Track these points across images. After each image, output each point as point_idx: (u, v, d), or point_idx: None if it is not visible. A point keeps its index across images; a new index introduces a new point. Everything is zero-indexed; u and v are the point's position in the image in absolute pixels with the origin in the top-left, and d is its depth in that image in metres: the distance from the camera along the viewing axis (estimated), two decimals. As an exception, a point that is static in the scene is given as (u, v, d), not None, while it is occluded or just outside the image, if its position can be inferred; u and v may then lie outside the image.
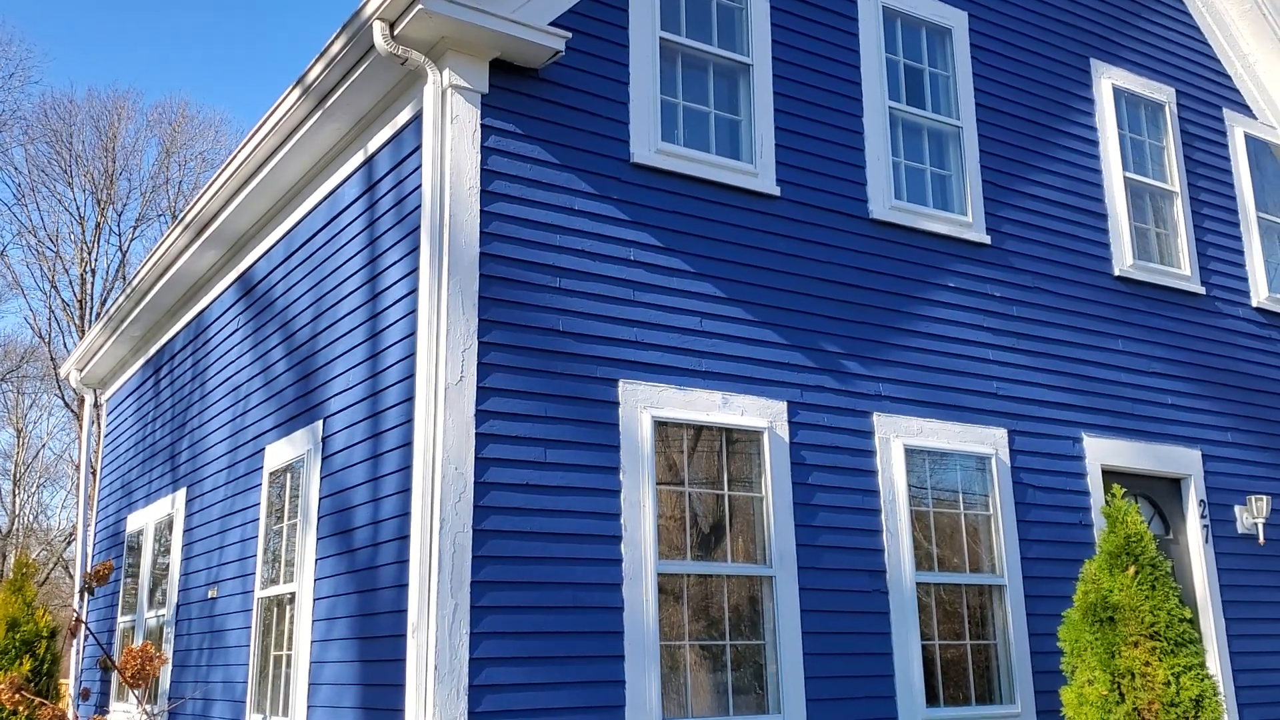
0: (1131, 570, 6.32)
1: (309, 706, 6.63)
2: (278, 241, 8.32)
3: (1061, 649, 6.43)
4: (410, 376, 6.03)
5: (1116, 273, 8.80)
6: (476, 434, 5.77)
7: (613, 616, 5.94)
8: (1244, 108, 10.39)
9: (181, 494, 9.88)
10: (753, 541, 6.57)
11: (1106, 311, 8.67)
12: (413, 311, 6.14)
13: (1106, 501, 6.65)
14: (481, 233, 6.05)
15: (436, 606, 5.42)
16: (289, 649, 7.16)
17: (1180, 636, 6.16)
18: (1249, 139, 10.23)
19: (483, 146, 6.17)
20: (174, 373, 10.75)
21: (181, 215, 9.17)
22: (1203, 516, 8.66)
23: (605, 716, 5.76)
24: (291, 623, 7.15)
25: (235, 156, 8.03)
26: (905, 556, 7.02)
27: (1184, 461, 8.72)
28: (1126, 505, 6.56)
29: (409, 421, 5.94)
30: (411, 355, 6.07)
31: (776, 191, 7.17)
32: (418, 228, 6.20)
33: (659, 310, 6.57)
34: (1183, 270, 9.27)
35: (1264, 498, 8.89)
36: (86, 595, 8.33)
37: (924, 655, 6.97)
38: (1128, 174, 9.14)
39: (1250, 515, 8.88)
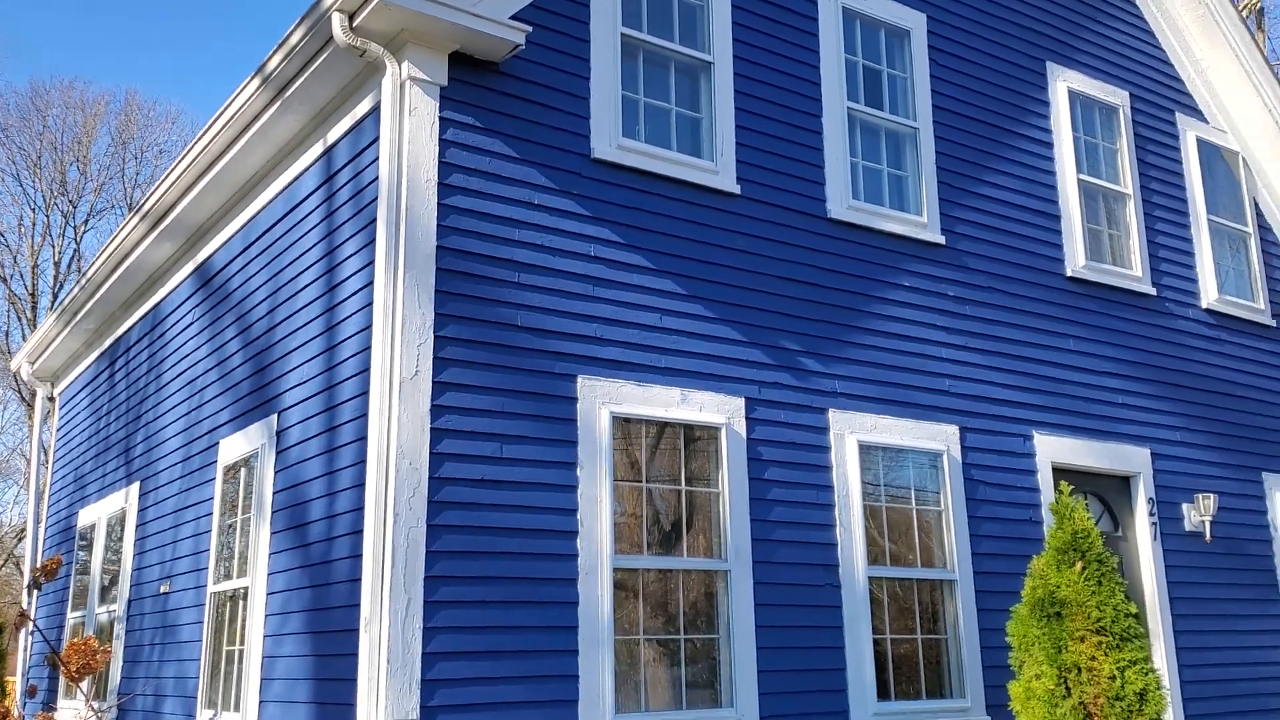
0: (1079, 566, 6.42)
1: (261, 702, 6.60)
2: (236, 233, 8.26)
3: (1010, 644, 6.53)
4: (366, 370, 6.01)
5: (1069, 273, 8.93)
6: (432, 429, 5.76)
7: (567, 611, 5.95)
8: (1196, 111, 10.57)
9: (135, 488, 9.77)
10: (709, 536, 6.61)
11: (1059, 311, 8.79)
12: (369, 304, 6.12)
13: (1055, 498, 6.75)
14: (439, 226, 6.04)
15: (389, 601, 5.41)
16: (242, 644, 7.11)
17: (1126, 631, 6.27)
18: (1200, 142, 10.40)
19: (441, 139, 6.16)
20: (129, 366, 10.64)
21: (138, 206, 9.07)
22: (1151, 514, 8.81)
23: (558, 711, 5.78)
24: (244, 618, 7.10)
25: (193, 146, 7.96)
26: (858, 551, 7.09)
27: (1133, 460, 8.87)
28: (1074, 502, 6.66)
29: (364, 415, 5.92)
30: (367, 349, 6.05)
31: (737, 190, 7.21)
32: (375, 220, 6.18)
33: (619, 306, 6.59)
34: (1134, 271, 9.41)
35: (1211, 496, 9.05)
36: (35, 590, 8.21)
37: (876, 649, 7.04)
38: (1081, 176, 9.27)
39: (1198, 513, 9.03)
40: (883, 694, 7.00)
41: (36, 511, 13.54)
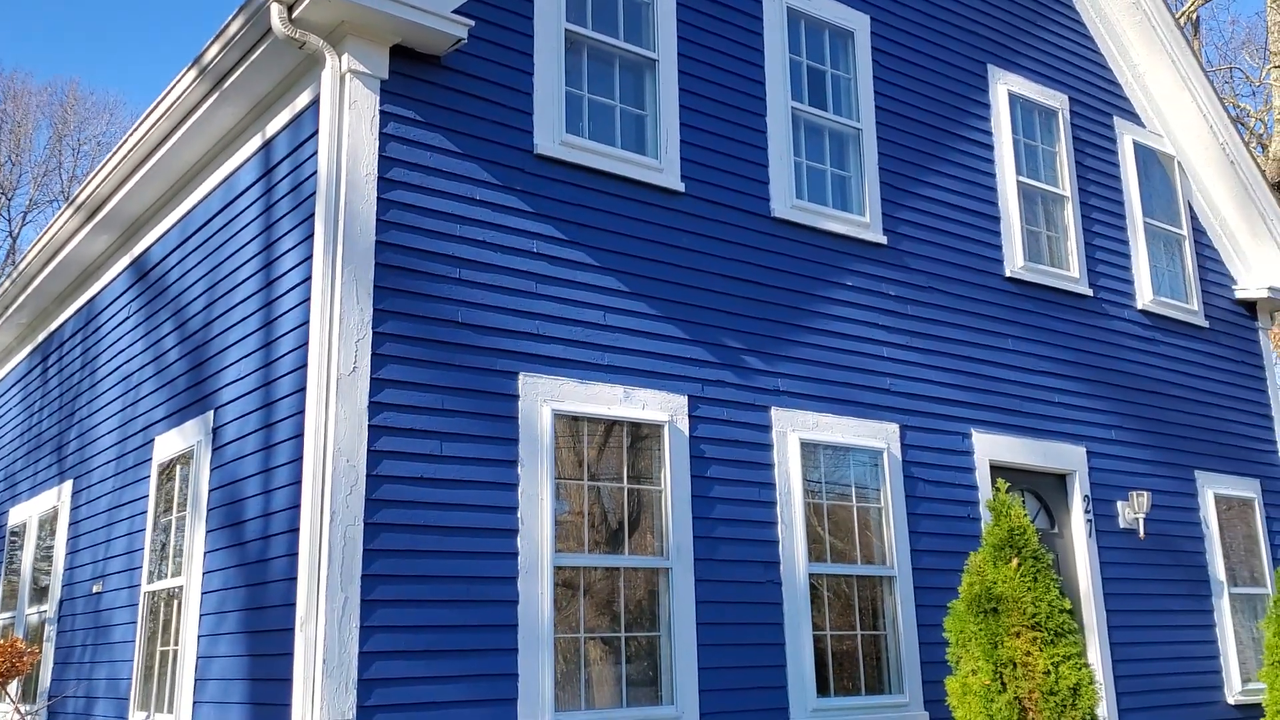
0: (1015, 562, 6.50)
1: (195, 703, 6.49)
2: (172, 226, 8.11)
3: (947, 639, 6.60)
4: (303, 366, 5.93)
5: (1008, 273, 9.04)
6: (370, 426, 5.70)
7: (507, 610, 5.92)
8: (1133, 116, 10.75)
9: (68, 486, 9.57)
10: (651, 534, 6.60)
11: (997, 311, 8.90)
12: (307, 300, 6.04)
13: (993, 495, 6.83)
14: (378, 220, 5.98)
15: (326, 600, 5.34)
16: (176, 645, 6.99)
17: (1060, 627, 6.36)
18: (1137, 146, 10.59)
19: (381, 133, 6.09)
20: (62, 361, 10.41)
21: (72, 198, 8.88)
22: (1087, 511, 8.95)
23: (497, 710, 5.75)
24: (179, 618, 6.98)
25: (129, 138, 7.80)
26: (799, 548, 7.13)
27: (1069, 458, 9.00)
28: (1011, 499, 6.75)
29: (301, 412, 5.84)
30: (305, 345, 5.97)
31: (681, 187, 7.21)
32: (313, 214, 6.10)
33: (561, 304, 6.56)
34: (1071, 272, 9.55)
35: (1145, 493, 9.21)
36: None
37: (816, 646, 7.08)
38: (1021, 178, 9.40)
39: (1132, 510, 9.20)
40: (822, 690, 7.05)
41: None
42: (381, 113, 6.12)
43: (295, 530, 5.70)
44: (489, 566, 5.92)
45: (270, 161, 6.79)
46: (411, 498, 5.74)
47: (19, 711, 6.58)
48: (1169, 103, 10.92)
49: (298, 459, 5.78)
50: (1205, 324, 10.61)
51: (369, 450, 5.66)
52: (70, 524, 9.35)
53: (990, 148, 9.30)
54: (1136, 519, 9.21)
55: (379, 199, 6.00)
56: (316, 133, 6.23)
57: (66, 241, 9.38)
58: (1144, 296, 10.09)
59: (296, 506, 5.73)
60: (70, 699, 8.36)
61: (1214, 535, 9.88)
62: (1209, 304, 10.81)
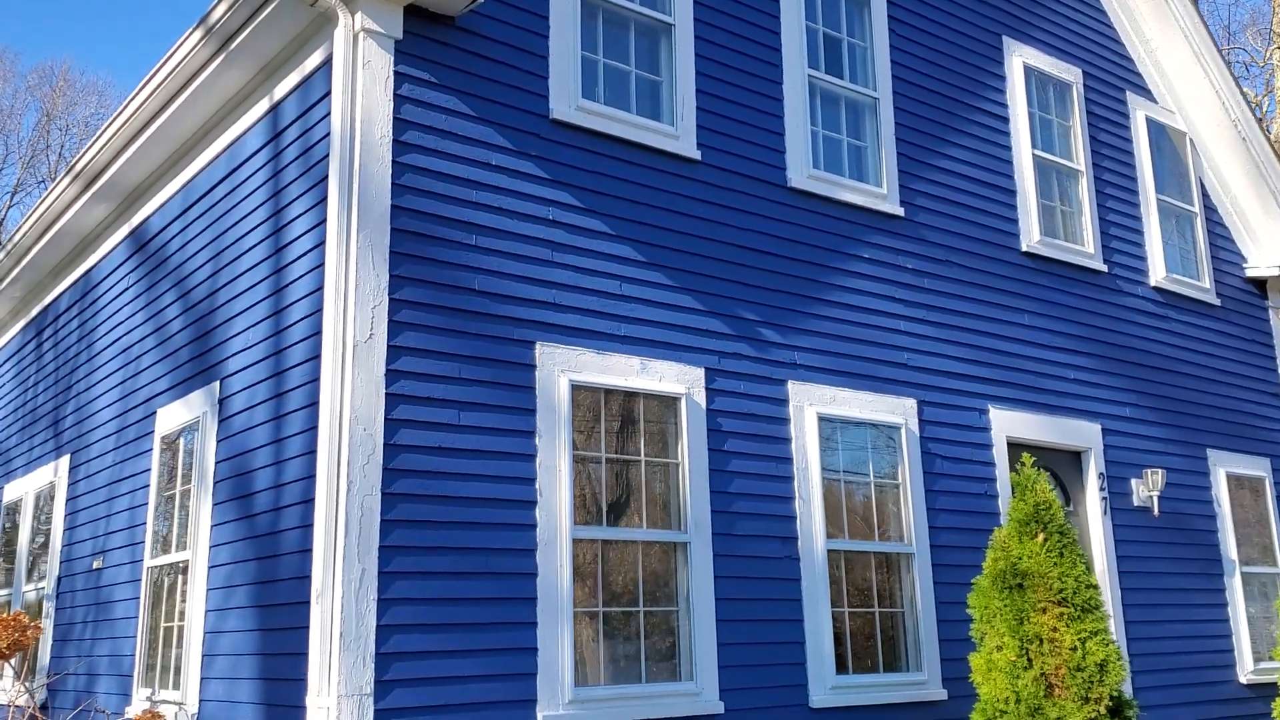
0: (1041, 537, 6.40)
1: (203, 679, 6.34)
2: (174, 194, 7.92)
3: (971, 615, 6.49)
4: (316, 334, 5.77)
5: (1024, 248, 8.92)
6: (386, 394, 5.54)
7: (525, 583, 5.78)
8: (1145, 91, 10.62)
9: (65, 461, 9.39)
10: (669, 508, 6.47)
11: (1013, 286, 8.78)
12: (319, 266, 5.88)
13: (1015, 470, 6.72)
14: (393, 184, 5.81)
15: (343, 572, 5.20)
16: (181, 620, 6.84)
17: (1087, 602, 6.26)
18: (1149, 121, 10.46)
19: (395, 94, 5.92)
20: (58, 334, 10.22)
21: (69, 166, 8.68)
22: (1102, 489, 8.85)
23: (516, 685, 5.62)
24: (185, 592, 6.83)
25: (130, 103, 7.60)
26: (817, 524, 7.01)
27: (1085, 435, 8.90)
28: (1035, 474, 6.64)
29: (315, 380, 5.68)
30: (317, 312, 5.81)
31: (697, 155, 7.06)
32: (325, 178, 5.93)
33: (577, 272, 6.41)
34: (1086, 248, 9.44)
35: (1159, 471, 9.12)
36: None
37: (833, 623, 6.97)
38: (1036, 151, 9.26)
39: (1146, 488, 9.11)
40: (840, 668, 6.93)
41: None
42: (395, 74, 5.94)
43: (309, 501, 5.55)
44: (507, 538, 5.78)
45: (278, 125, 6.61)
46: (429, 468, 5.59)
47: (24, 687, 6.43)
48: (1181, 78, 10.79)
49: (312, 428, 5.63)
50: (1217, 302, 10.51)
51: (386, 419, 5.50)
52: (68, 499, 9.18)
53: (1006, 120, 9.17)
54: (1151, 497, 9.12)
55: (394, 162, 5.83)
56: (327, 95, 6.05)
57: (63, 212, 9.18)
58: (1157, 273, 9.98)
59: (310, 477, 5.58)
60: (71, 676, 8.20)
61: (1226, 514, 9.80)
62: (1220, 282, 10.71)
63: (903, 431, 7.62)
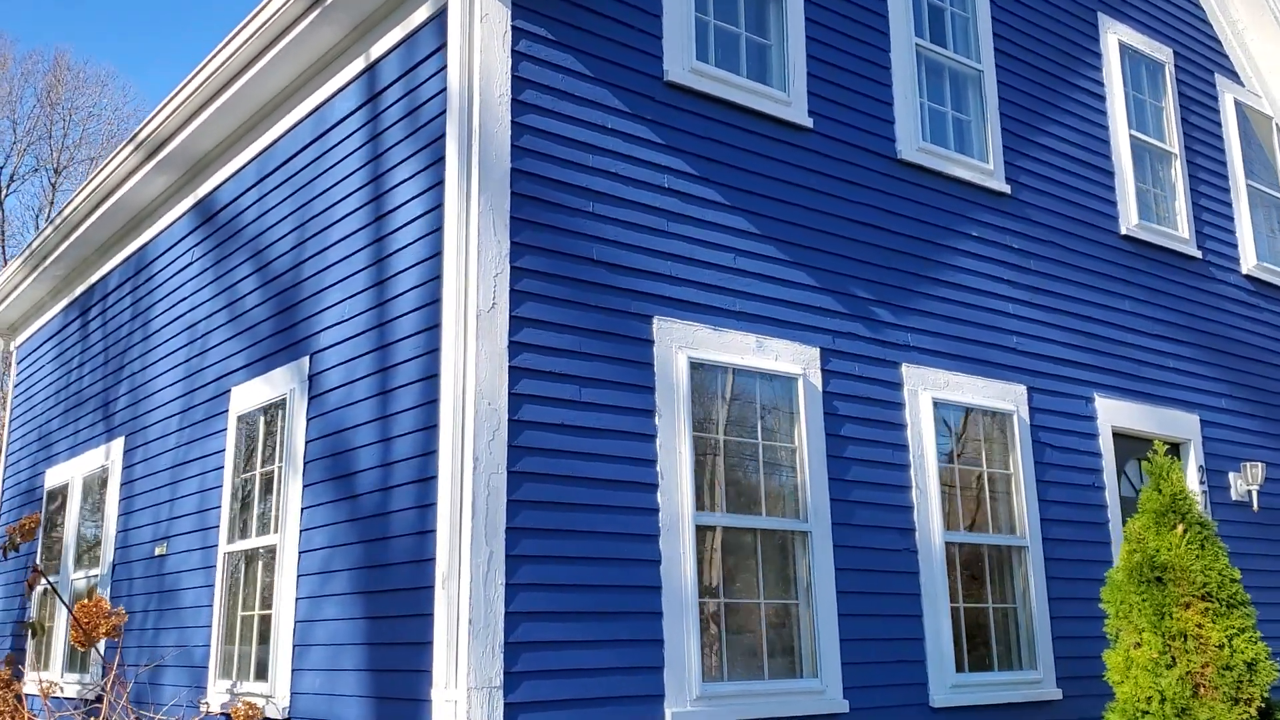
0: (1180, 529, 6.05)
1: (295, 670, 5.98)
2: (248, 163, 7.55)
3: (1104, 611, 6.15)
4: (429, 304, 5.41)
5: (1123, 231, 8.58)
6: (510, 367, 5.19)
7: (650, 570, 5.43)
8: (1233, 74, 10.28)
9: (118, 444, 9.02)
10: (787, 495, 6.12)
11: (1113, 270, 8.44)
12: (430, 233, 5.52)
13: (1149, 459, 6.38)
14: (512, 146, 5.45)
15: (470, 554, 4.84)
16: (263, 608, 6.48)
17: (1232, 598, 5.92)
18: (1238, 105, 10.12)
19: (513, 51, 5.56)
20: (106, 314, 9.85)
21: (132, 135, 8.31)
22: (1202, 482, 8.52)
23: (644, 678, 5.26)
24: (267, 579, 6.47)
25: (203, 68, 7.24)
26: (934, 514, 6.66)
27: (1184, 426, 8.56)
28: (1168, 463, 6.30)
29: (431, 352, 5.32)
30: (429, 281, 5.45)
31: (809, 123, 6.71)
32: (436, 139, 5.57)
33: (692, 244, 6.06)
34: (1181, 233, 9.10)
35: (1259, 464, 8.79)
36: (8, 554, 7.47)
37: (951, 619, 6.62)
38: (1133, 132, 8.92)
39: (1244, 482, 8.77)
40: (958, 666, 6.58)
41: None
42: (513, 29, 5.58)
43: (425, 480, 5.19)
44: (630, 522, 5.42)
45: (375, 86, 6.24)
46: (553, 445, 5.24)
47: (113, 673, 6.06)
48: (1269, 62, 10.45)
49: (428, 402, 5.26)
50: (1305, 292, 10.18)
51: (510, 393, 5.15)
52: (123, 483, 8.81)
53: (1102, 99, 8.82)
54: (1249, 491, 8.78)
55: (513, 123, 5.47)
56: (436, 51, 5.70)
57: (121, 184, 8.81)
58: (1248, 261, 9.65)
59: (425, 454, 5.22)
60: (132, 668, 7.82)
61: (1320, 510, 9.46)
62: (1307, 271, 10.37)
63: (1014, 419, 7.27)
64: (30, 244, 10.55)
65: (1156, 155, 9.21)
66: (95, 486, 9.40)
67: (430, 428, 5.21)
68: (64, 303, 10.91)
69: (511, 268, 5.30)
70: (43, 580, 6.63)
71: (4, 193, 32.14)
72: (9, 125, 32.19)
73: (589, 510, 5.29)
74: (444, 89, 5.57)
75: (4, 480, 12.06)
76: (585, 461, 5.34)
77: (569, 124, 5.70)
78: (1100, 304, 8.22)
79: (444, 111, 5.54)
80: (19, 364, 12.43)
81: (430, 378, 5.28)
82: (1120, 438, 8.05)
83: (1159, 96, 9.38)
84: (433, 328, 5.33)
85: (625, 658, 5.21)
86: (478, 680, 4.74)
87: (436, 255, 5.41)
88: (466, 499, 4.90)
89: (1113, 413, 8.02)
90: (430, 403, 5.24)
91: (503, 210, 5.32)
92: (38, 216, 31.69)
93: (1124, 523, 7.78)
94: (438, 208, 5.47)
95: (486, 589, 4.85)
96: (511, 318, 5.24)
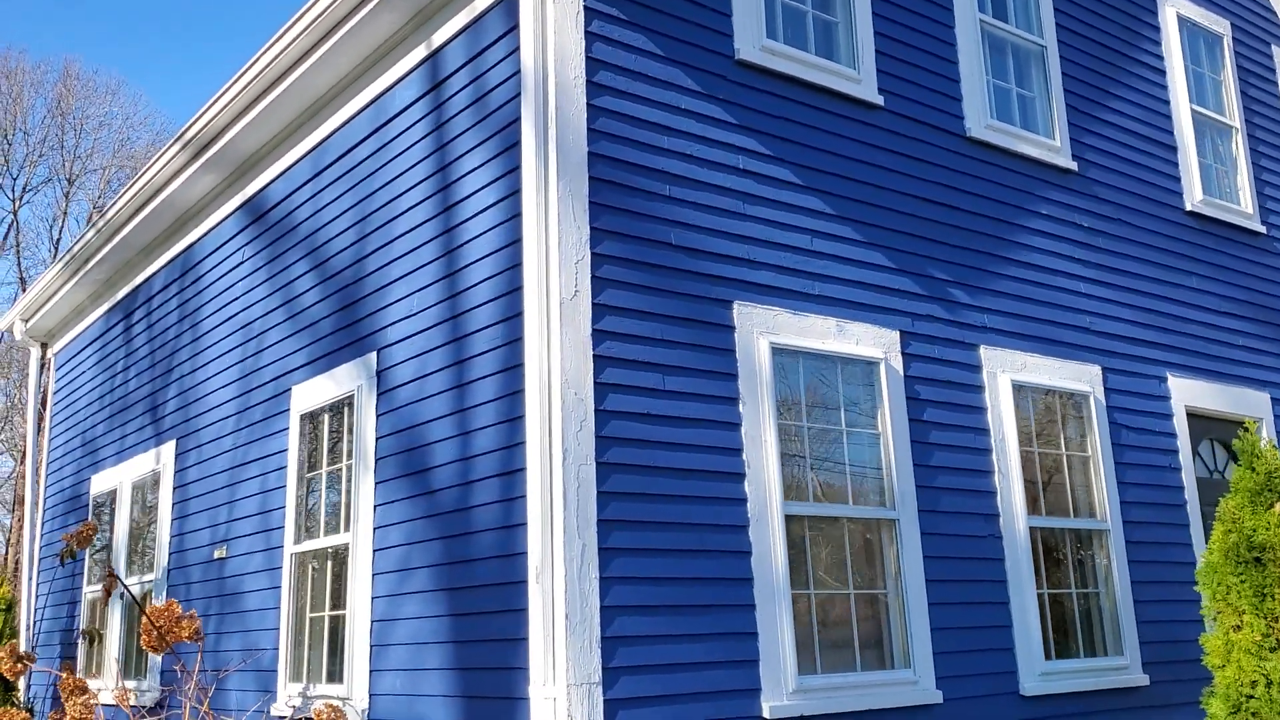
0: (1278, 508, 5.88)
1: (373, 671, 5.86)
2: (301, 158, 7.43)
3: (1199, 594, 5.98)
4: (508, 293, 5.28)
5: (1188, 207, 8.39)
6: (594, 355, 5.05)
7: (740, 562, 5.29)
8: (1289, 46, 10.09)
9: (169, 447, 8.92)
10: (872, 482, 5.97)
11: (1180, 247, 8.25)
12: (505, 221, 5.38)
13: (1239, 436, 6.21)
14: (588, 129, 5.31)
15: (563, 548, 4.70)
16: (335, 608, 6.36)
17: (1336, 577, 5.74)
18: (1296, 78, 9.93)
19: (586, 31, 5.42)
20: (151, 317, 9.75)
21: (179, 133, 8.19)
22: (1276, 461, 8.31)
23: (740, 673, 5.12)
24: (339, 579, 6.35)
25: (254, 64, 7.12)
26: (1017, 499, 6.50)
27: (1256, 404, 8.37)
28: (1259, 440, 6.12)
29: (512, 342, 5.19)
30: (506, 270, 5.31)
31: (879, 101, 6.55)
32: (509, 125, 5.44)
33: (769, 226, 5.91)
34: (1245, 208, 8.91)
35: (1332, 443, 8.60)
36: (65, 561, 7.37)
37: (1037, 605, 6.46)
38: (1194, 106, 8.74)
39: (1318, 461, 8.56)
40: (1045, 653, 6.42)
41: (34, 481, 12.57)
42: (585, 9, 5.44)
43: (510, 473, 5.05)
44: (718, 513, 5.28)
45: (439, 74, 6.11)
46: (639, 435, 5.10)
47: (194, 679, 5.94)
48: (1324, 32, 10.25)
49: (511, 393, 5.13)
50: (1368, 267, 9.97)
51: (595, 383, 5.01)
52: (176, 487, 8.70)
53: (1163, 73, 8.64)
54: (1323, 470, 8.57)
55: (588, 105, 5.33)
56: (505, 35, 5.56)
57: (167, 184, 8.70)
58: (1311, 236, 9.45)
59: (508, 447, 5.09)
60: (203, 673, 7.71)
61: (1391, 488, 9.25)
62: (1369, 245, 10.17)
63: (1091, 400, 7.10)
64: (70, 248, 10.47)
65: (1217, 129, 9.02)
66: (146, 491, 9.31)
67: (514, 419, 5.07)
68: (105, 307, 10.82)
69: (592, 254, 5.16)
70: (118, 585, 6.50)
71: (18, 204, 32.17)
72: (21, 137, 32.18)
73: (677, 501, 5.15)
74: (515, 73, 5.44)
75: (46, 487, 11.99)
76: (671, 451, 5.20)
77: (643, 105, 5.56)
78: (1168, 281, 8.05)
79: (516, 96, 5.40)
80: (58, 370, 12.35)
81: (512, 368, 5.15)
82: (1193, 417, 7.86)
83: (1217, 70, 9.19)
84: (513, 317, 5.20)
85: (720, 651, 5.07)
86: (576, 676, 4.60)
87: (513, 243, 5.27)
88: (557, 491, 4.76)
89: (1185, 392, 7.84)
90: (513, 394, 5.11)
91: (581, 195, 5.18)
92: (73, 221, 31.51)
93: (1200, 503, 7.63)
94: (512, 195, 5.33)
95: (581, 583, 4.72)
96: (594, 305, 5.11)
